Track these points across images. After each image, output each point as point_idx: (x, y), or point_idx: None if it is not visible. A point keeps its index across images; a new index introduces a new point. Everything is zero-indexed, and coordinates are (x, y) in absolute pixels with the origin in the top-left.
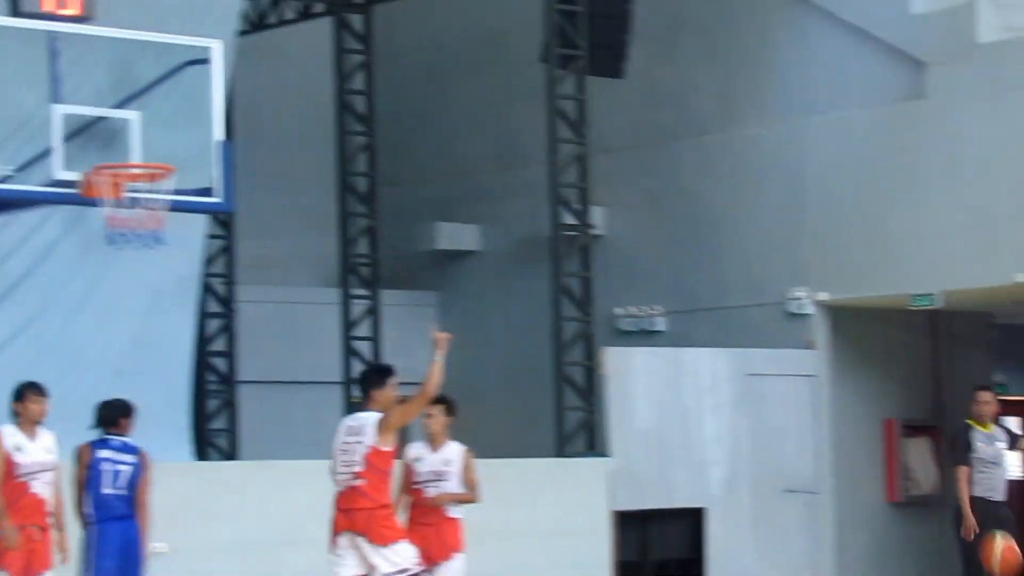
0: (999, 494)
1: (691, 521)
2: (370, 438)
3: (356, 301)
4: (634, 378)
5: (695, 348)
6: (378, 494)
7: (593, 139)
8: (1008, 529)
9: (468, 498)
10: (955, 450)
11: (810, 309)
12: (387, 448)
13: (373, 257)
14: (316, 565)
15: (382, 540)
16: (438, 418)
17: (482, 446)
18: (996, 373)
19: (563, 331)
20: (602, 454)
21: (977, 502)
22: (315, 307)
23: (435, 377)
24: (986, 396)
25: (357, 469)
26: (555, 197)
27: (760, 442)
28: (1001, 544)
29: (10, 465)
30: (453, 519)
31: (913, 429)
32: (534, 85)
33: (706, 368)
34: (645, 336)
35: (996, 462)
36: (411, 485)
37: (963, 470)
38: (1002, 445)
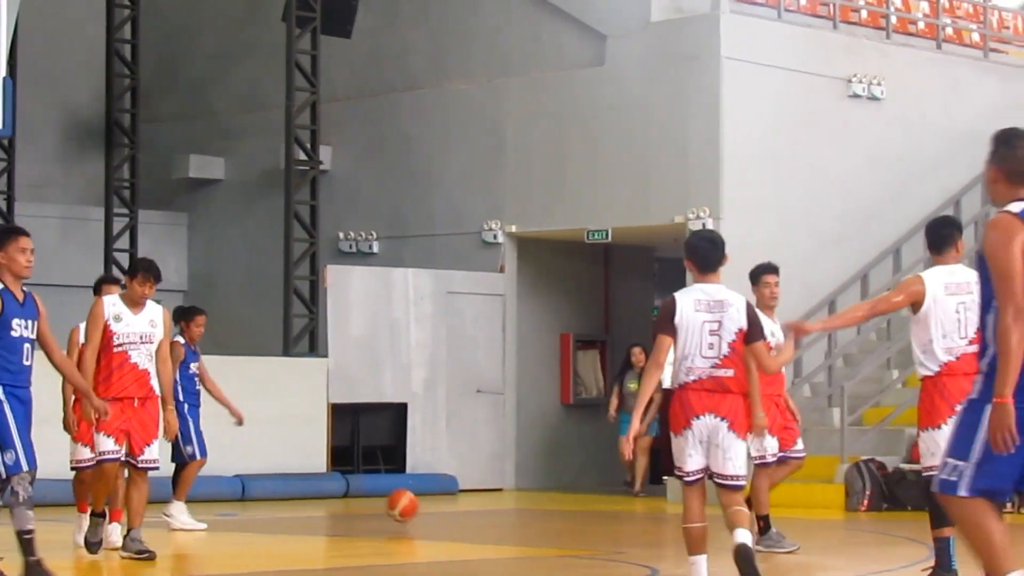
0: None
1: (395, 414)
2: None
3: (118, 219)
4: (351, 292)
5: (404, 268)
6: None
7: (324, 89)
8: None
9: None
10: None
11: (502, 239)
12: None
13: (133, 182)
14: None
15: None
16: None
17: (222, 345)
18: (656, 300)
19: (293, 250)
20: (322, 355)
21: None
22: (83, 223)
23: None
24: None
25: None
26: (290, 137)
27: (456, 349)
28: None
29: (109, 334)
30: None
31: (584, 343)
32: (275, 40)
33: (412, 285)
34: (362, 257)
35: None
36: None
37: None
38: None
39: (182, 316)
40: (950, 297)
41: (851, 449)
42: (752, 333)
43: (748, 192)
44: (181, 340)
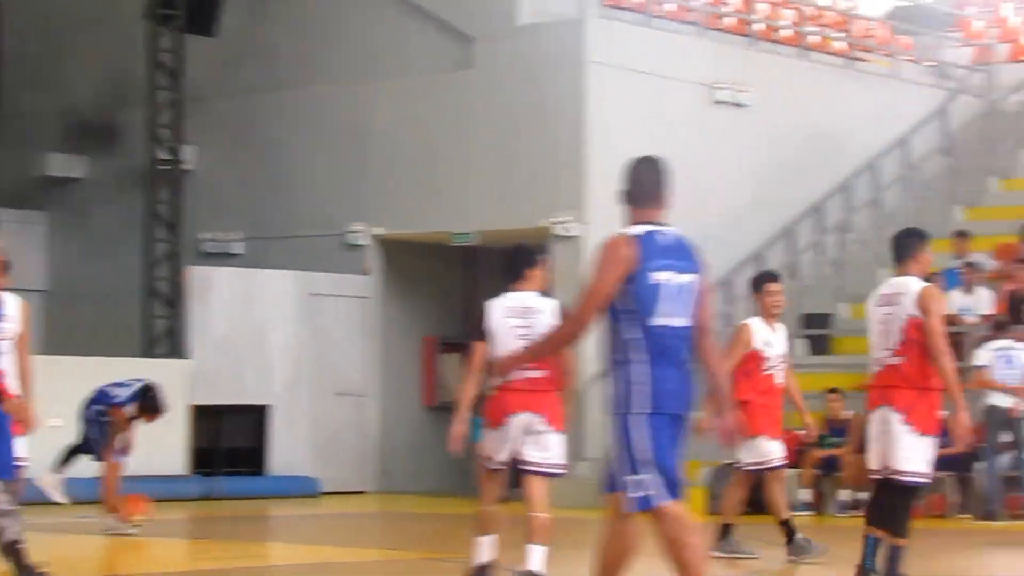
0: None
1: (257, 416)
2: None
3: None
4: (213, 293)
5: (267, 270)
6: None
7: (188, 88)
8: None
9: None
10: None
11: (366, 241)
12: None
13: None
14: None
15: None
16: None
17: (78, 347)
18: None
19: (154, 250)
20: (183, 356)
21: None
22: None
23: None
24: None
25: None
26: (152, 136)
27: (319, 351)
28: None
29: None
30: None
31: (448, 346)
32: (139, 38)
33: (275, 287)
34: (225, 258)
35: None
36: None
37: None
38: None
39: None
40: (877, 308)
41: (714, 453)
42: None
43: (613, 197)
44: None
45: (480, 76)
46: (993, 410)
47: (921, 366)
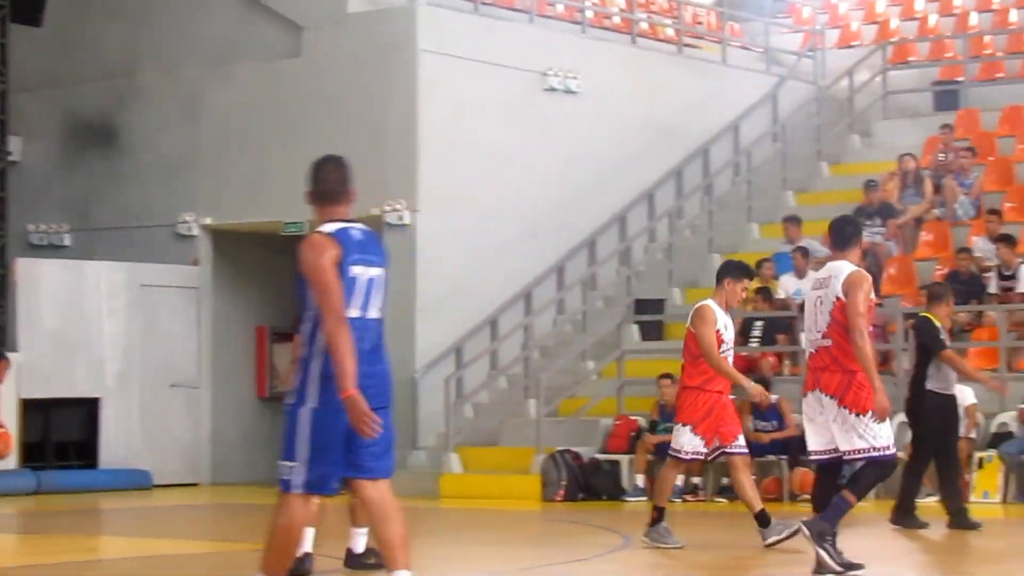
0: None
1: (88, 409)
2: None
3: None
4: (42, 285)
5: (96, 261)
6: None
7: (14, 78)
8: None
9: None
10: None
11: (196, 231)
12: None
13: None
14: None
15: None
16: None
17: None
18: None
19: None
20: (11, 349)
21: None
22: None
23: None
24: None
25: None
26: None
27: (150, 343)
28: None
29: None
30: None
31: (280, 335)
32: None
33: (105, 279)
34: (53, 250)
35: None
36: None
37: None
38: None
39: None
40: (812, 292)
41: (547, 440)
42: None
43: (445, 184)
44: None
45: (310, 64)
46: None
47: (847, 348)
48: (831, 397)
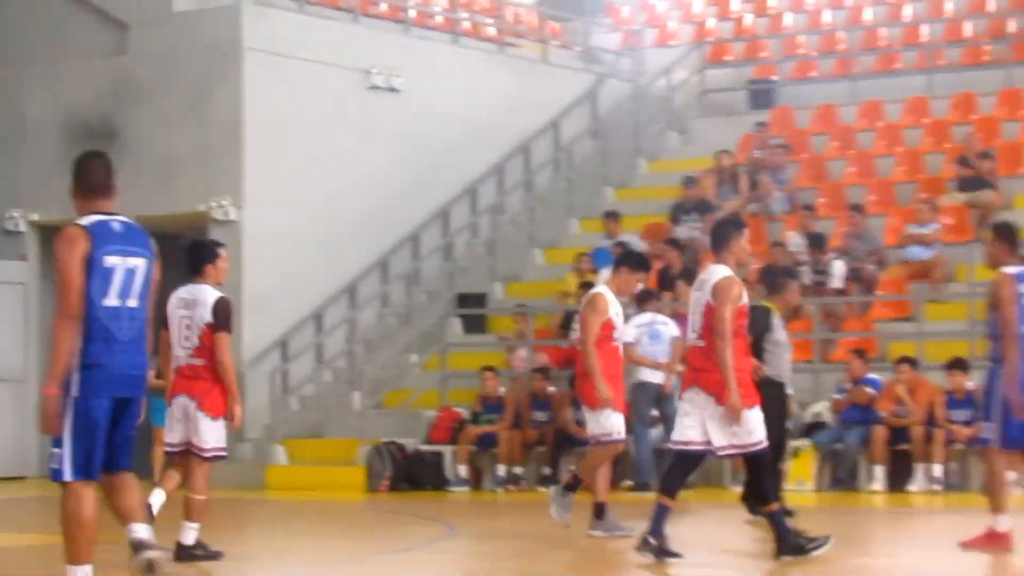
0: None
1: None
2: None
3: None
4: None
5: None
6: None
7: None
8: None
9: None
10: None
11: (24, 227)
12: None
13: None
14: None
15: None
16: None
17: None
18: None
19: None
20: None
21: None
22: None
23: None
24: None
25: None
26: None
27: None
28: None
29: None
30: None
31: None
32: None
33: None
34: None
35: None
36: None
37: None
38: None
39: None
40: (693, 293)
41: (371, 431)
42: (216, 326)
43: (270, 181)
44: None
45: (135, 62)
46: (643, 386)
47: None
48: (709, 395)
